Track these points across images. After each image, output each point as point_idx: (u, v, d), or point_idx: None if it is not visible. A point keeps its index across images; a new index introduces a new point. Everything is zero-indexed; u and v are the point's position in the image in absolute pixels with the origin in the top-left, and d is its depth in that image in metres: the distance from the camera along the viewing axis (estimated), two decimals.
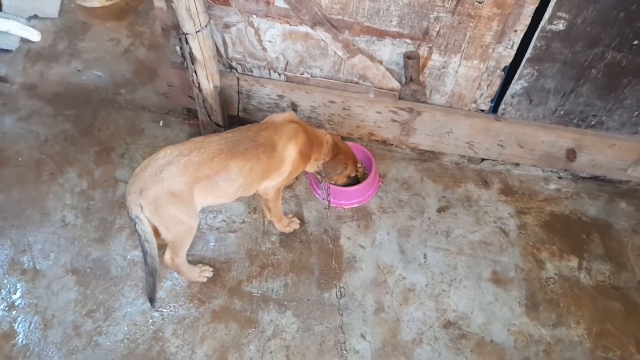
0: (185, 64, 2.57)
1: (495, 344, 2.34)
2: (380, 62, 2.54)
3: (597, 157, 2.70)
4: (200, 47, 2.42)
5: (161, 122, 3.23)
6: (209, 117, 2.84)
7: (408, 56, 2.42)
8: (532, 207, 2.85)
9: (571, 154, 2.70)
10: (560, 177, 2.98)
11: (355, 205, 2.81)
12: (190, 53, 2.45)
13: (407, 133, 2.86)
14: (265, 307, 2.42)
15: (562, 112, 2.53)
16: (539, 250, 2.67)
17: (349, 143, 2.77)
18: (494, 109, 2.66)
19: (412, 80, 2.51)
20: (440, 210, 2.83)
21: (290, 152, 2.21)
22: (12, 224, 2.67)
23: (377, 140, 3.01)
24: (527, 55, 2.27)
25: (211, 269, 2.52)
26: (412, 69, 2.45)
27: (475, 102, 2.63)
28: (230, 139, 2.08)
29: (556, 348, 2.34)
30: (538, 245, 2.69)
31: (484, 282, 2.55)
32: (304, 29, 2.46)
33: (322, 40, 2.49)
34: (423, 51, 2.43)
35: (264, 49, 2.64)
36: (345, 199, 2.78)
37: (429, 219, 2.79)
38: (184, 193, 1.98)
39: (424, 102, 2.69)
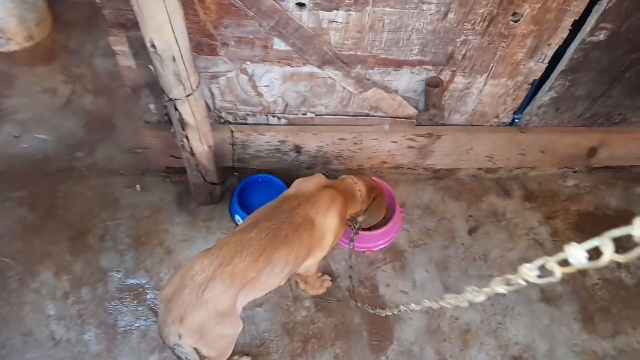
0: (173, 130, 2.14)
1: None
2: (396, 92, 2.26)
3: (617, 150, 2.65)
4: (192, 111, 2.00)
5: (137, 186, 2.75)
6: (203, 178, 2.43)
7: (432, 84, 2.16)
8: (557, 210, 2.76)
9: (592, 152, 2.62)
10: (575, 172, 2.91)
11: (383, 246, 2.57)
12: (180, 119, 2.02)
13: (423, 156, 2.63)
14: None
15: (587, 115, 2.41)
16: None
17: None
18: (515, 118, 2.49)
19: (434, 106, 2.26)
20: (470, 231, 2.66)
21: (330, 223, 1.91)
22: None
23: (389, 167, 2.76)
24: (562, 67, 2.08)
25: (249, 358, 2.19)
26: (435, 97, 2.20)
27: (497, 116, 2.44)
28: (268, 228, 1.73)
29: None
30: None
31: (536, 304, 2.43)
32: (308, 69, 2.11)
33: (330, 78, 2.15)
34: (445, 75, 2.18)
35: (260, 95, 2.26)
36: (372, 242, 2.53)
37: (463, 244, 2.62)
38: (231, 308, 1.63)
39: (442, 124, 2.46)
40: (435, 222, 2.69)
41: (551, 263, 0.80)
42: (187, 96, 1.93)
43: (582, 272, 2.54)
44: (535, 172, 2.88)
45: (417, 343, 2.30)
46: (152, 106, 2.31)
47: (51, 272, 2.42)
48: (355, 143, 2.49)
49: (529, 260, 2.53)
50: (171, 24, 1.64)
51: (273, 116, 2.38)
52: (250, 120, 2.39)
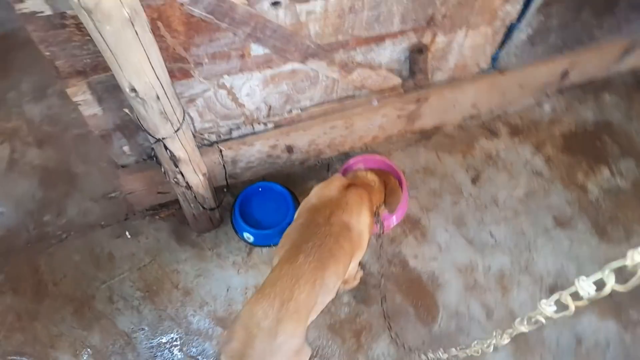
0: (164, 170, 1.93)
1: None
2: (380, 66, 2.17)
3: (586, 68, 2.73)
4: (182, 144, 1.81)
5: (127, 232, 2.52)
6: (202, 207, 2.25)
7: (415, 50, 2.08)
8: (544, 138, 2.84)
9: (565, 74, 2.68)
10: (547, 95, 2.99)
11: (398, 221, 2.54)
12: (172, 157, 1.83)
13: (412, 122, 2.59)
14: None
15: (559, 42, 2.44)
16: (574, 176, 2.71)
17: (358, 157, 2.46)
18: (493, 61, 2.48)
19: (421, 71, 2.20)
20: (474, 181, 2.69)
21: (364, 221, 1.83)
22: None
23: (380, 140, 2.70)
24: (538, 3, 2.07)
25: None
26: (422, 63, 2.13)
27: (477, 65, 2.41)
28: (313, 247, 1.62)
29: None
30: (570, 171, 2.72)
31: (553, 231, 2.53)
32: (289, 67, 1.96)
33: (312, 69, 2.02)
34: (426, 38, 2.10)
35: (241, 106, 2.08)
36: (387, 219, 2.49)
37: (471, 195, 2.64)
38: (304, 341, 1.54)
39: (427, 86, 2.40)
40: (439, 181, 2.69)
41: (565, 296, 0.90)
42: (176, 131, 1.73)
43: (583, 189, 2.67)
44: (513, 106, 2.93)
45: (461, 303, 2.33)
46: (126, 148, 2.07)
47: (69, 354, 2.19)
48: (347, 127, 2.39)
49: (534, 194, 2.59)
50: (149, 61, 1.43)
51: (258, 123, 2.21)
52: (235, 134, 2.22)
